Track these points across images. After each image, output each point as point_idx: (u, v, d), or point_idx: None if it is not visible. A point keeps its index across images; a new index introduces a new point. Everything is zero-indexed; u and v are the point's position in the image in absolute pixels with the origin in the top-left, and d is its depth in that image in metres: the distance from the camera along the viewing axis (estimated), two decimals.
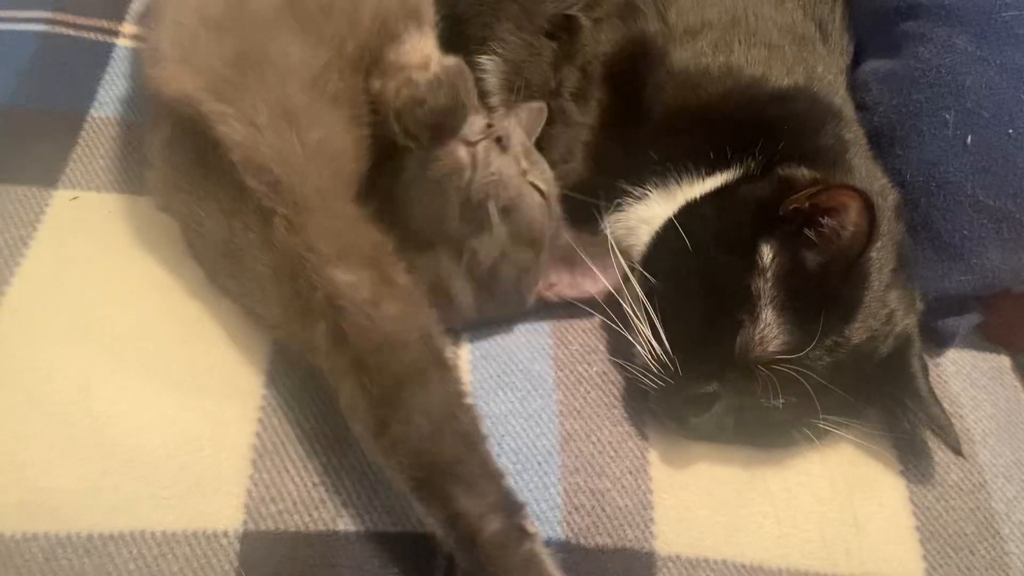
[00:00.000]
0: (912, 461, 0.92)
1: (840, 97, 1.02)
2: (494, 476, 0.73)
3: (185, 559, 0.75)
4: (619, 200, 0.98)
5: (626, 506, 0.83)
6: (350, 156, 0.82)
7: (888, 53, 1.04)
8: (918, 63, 1.00)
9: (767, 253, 0.84)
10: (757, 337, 0.81)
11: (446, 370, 0.76)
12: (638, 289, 0.88)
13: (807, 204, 0.82)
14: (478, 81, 1.09)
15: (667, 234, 0.89)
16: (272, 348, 0.86)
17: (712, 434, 0.86)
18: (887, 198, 0.94)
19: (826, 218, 0.81)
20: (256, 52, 0.82)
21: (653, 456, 0.87)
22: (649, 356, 0.85)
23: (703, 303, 0.84)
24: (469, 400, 0.76)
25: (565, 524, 0.81)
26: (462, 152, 0.84)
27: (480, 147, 0.85)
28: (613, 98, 1.01)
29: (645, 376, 0.85)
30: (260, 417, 0.82)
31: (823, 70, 1.02)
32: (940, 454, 0.92)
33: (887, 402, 0.89)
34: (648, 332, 0.85)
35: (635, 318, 0.87)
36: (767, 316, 0.81)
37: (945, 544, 0.88)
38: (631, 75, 1.00)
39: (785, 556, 0.84)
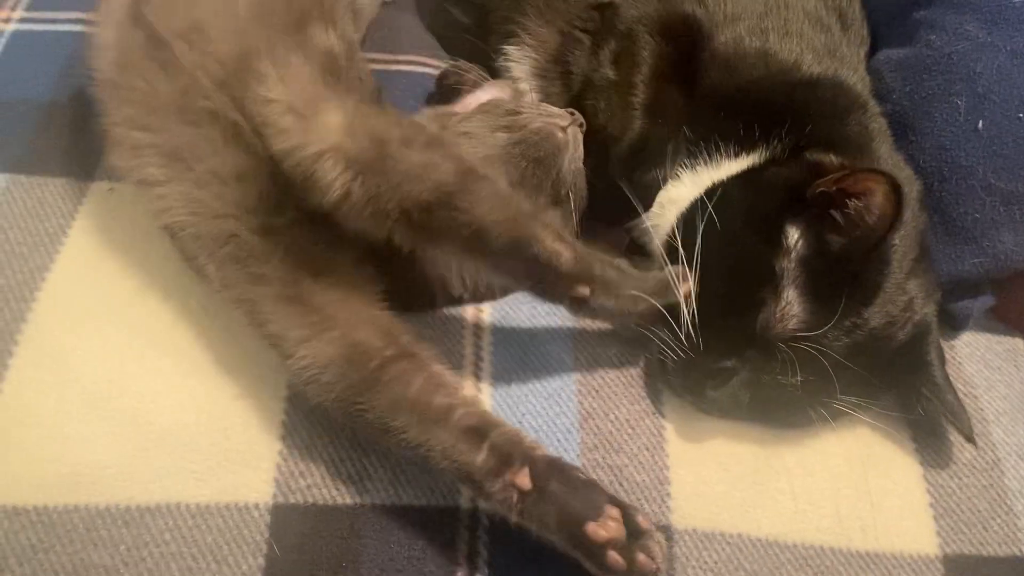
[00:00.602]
0: (926, 440, 0.93)
1: (863, 87, 1.03)
2: None
3: (218, 530, 0.78)
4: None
5: (643, 481, 0.85)
6: None
7: (901, 42, 1.06)
8: (930, 50, 1.02)
9: (792, 234, 0.85)
10: (778, 314, 0.82)
11: None
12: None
13: (834, 187, 0.83)
14: (504, 70, 1.12)
15: (695, 213, 0.91)
16: None
17: (728, 409, 0.87)
18: (912, 187, 0.95)
19: (852, 201, 0.82)
20: None
21: (670, 434, 0.89)
22: (671, 330, 0.86)
23: (727, 281, 0.86)
24: None
25: None
26: (560, 135, 0.91)
27: (570, 131, 0.92)
28: (659, 59, 1.03)
29: (666, 350, 0.86)
30: (288, 396, 0.85)
31: (848, 60, 1.04)
32: (954, 434, 0.93)
33: (903, 388, 0.91)
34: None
35: None
36: (789, 295, 0.83)
37: (959, 520, 0.89)
38: (677, 43, 1.02)
39: (801, 531, 0.86)
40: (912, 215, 0.91)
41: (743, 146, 0.95)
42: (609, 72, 1.04)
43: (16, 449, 0.79)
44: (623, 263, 0.82)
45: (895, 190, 0.78)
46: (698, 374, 0.86)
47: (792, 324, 0.82)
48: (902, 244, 0.87)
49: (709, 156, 0.97)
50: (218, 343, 0.87)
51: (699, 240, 0.86)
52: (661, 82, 1.01)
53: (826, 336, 0.82)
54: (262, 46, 0.81)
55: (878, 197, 0.80)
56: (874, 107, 1.00)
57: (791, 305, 0.83)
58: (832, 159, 0.90)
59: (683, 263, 0.85)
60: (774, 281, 0.84)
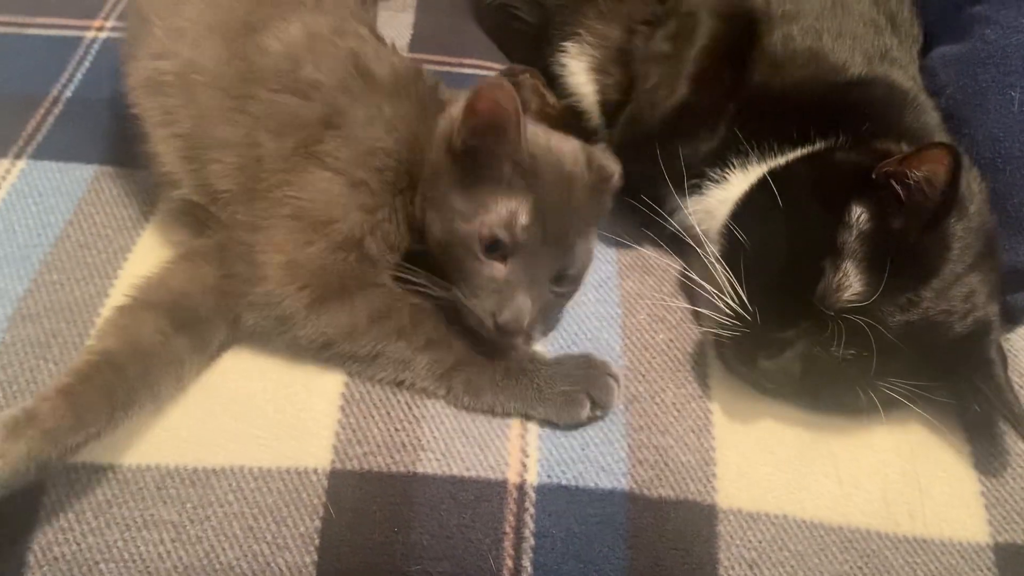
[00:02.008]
0: (977, 431, 0.93)
1: (914, 84, 1.04)
2: None
3: (278, 492, 0.82)
4: (697, 182, 1.02)
5: (689, 461, 0.87)
6: None
7: (955, 38, 1.07)
8: (985, 44, 1.03)
9: (856, 211, 0.87)
10: (835, 284, 0.84)
11: None
12: (712, 251, 0.94)
13: (900, 166, 0.85)
14: (560, 69, 1.17)
15: (759, 192, 0.93)
16: None
17: (780, 381, 0.88)
18: (979, 184, 0.96)
19: (914, 173, 0.83)
20: None
21: (716, 417, 0.91)
22: (728, 304, 0.89)
23: (787, 254, 0.88)
24: None
25: (630, 476, 0.85)
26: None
27: None
28: (714, 40, 1.04)
29: (721, 323, 0.89)
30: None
31: (898, 60, 1.05)
32: (1006, 425, 0.92)
33: (960, 381, 0.90)
34: (729, 281, 0.89)
35: (716, 270, 0.91)
36: (848, 266, 0.85)
37: (1011, 510, 0.88)
38: (734, 29, 1.04)
39: (846, 515, 0.86)
40: (978, 209, 0.91)
41: (798, 142, 0.97)
42: (665, 46, 1.07)
43: None
44: None
45: (956, 162, 0.80)
46: (752, 344, 0.87)
47: (848, 294, 0.84)
48: (964, 234, 0.88)
49: (762, 153, 0.98)
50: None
51: (760, 216, 0.89)
52: (713, 59, 1.03)
53: (880, 309, 0.83)
54: None
55: (941, 169, 0.81)
56: (927, 101, 1.01)
57: (848, 276, 0.84)
58: (902, 147, 0.92)
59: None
60: (835, 254, 0.85)
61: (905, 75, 1.04)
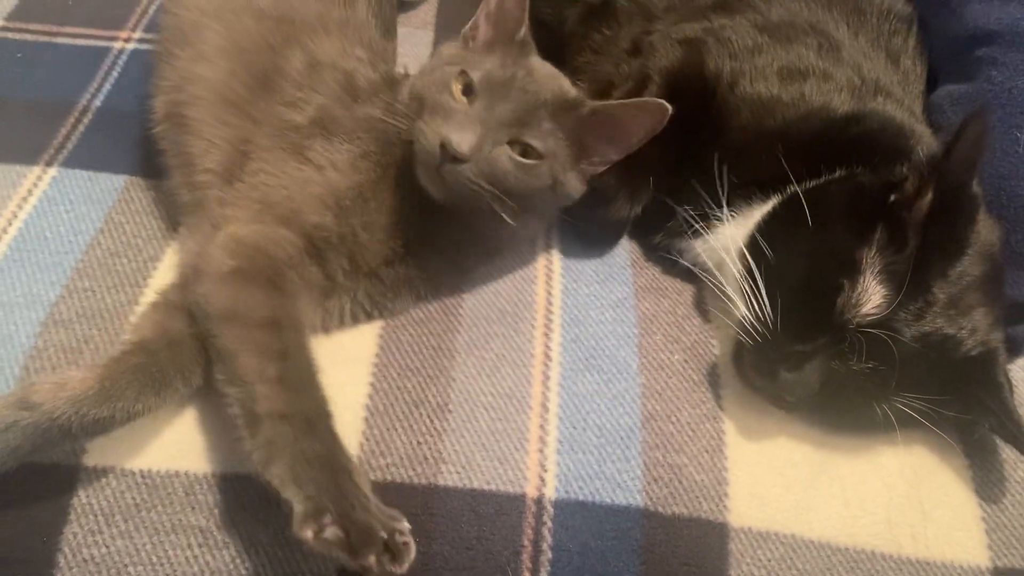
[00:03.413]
0: (979, 457, 0.96)
1: (912, 117, 1.08)
2: None
3: None
4: (703, 224, 1.04)
5: (702, 480, 0.90)
6: None
7: (962, 78, 1.11)
8: (991, 85, 1.07)
9: (876, 231, 0.91)
10: (855, 299, 0.88)
11: None
12: (739, 267, 0.97)
13: (912, 191, 0.90)
14: None
15: (787, 210, 0.97)
16: (382, 323, 0.98)
17: (799, 395, 0.90)
18: (991, 219, 0.99)
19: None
20: None
21: (730, 438, 0.93)
22: (749, 316, 0.92)
23: (810, 270, 0.92)
24: None
25: (644, 493, 0.88)
26: None
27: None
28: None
29: (743, 337, 0.92)
30: (372, 382, 0.92)
31: (894, 95, 1.08)
32: (1007, 452, 0.95)
33: (970, 401, 0.92)
34: (752, 295, 0.92)
35: (739, 284, 0.95)
36: (866, 280, 0.88)
37: (1011, 535, 0.91)
38: (686, 99, 1.04)
39: (852, 535, 0.89)
40: (987, 239, 0.94)
41: (805, 178, 0.99)
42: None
43: None
44: None
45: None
46: (774, 356, 0.90)
47: (867, 308, 0.87)
48: (973, 254, 0.91)
49: (765, 195, 1.01)
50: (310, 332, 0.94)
51: (786, 233, 0.94)
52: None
53: (896, 321, 0.87)
54: None
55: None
56: (924, 130, 1.05)
57: (867, 291, 0.88)
58: (919, 158, 0.97)
59: None
60: (854, 270, 0.89)
61: (900, 108, 1.07)
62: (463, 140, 0.87)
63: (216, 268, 0.86)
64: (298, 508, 0.74)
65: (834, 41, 1.10)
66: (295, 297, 0.88)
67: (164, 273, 0.97)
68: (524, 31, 0.97)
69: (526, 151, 0.91)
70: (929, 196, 0.89)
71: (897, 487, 0.92)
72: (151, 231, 1.02)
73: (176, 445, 0.86)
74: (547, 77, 0.96)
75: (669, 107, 0.92)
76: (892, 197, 0.91)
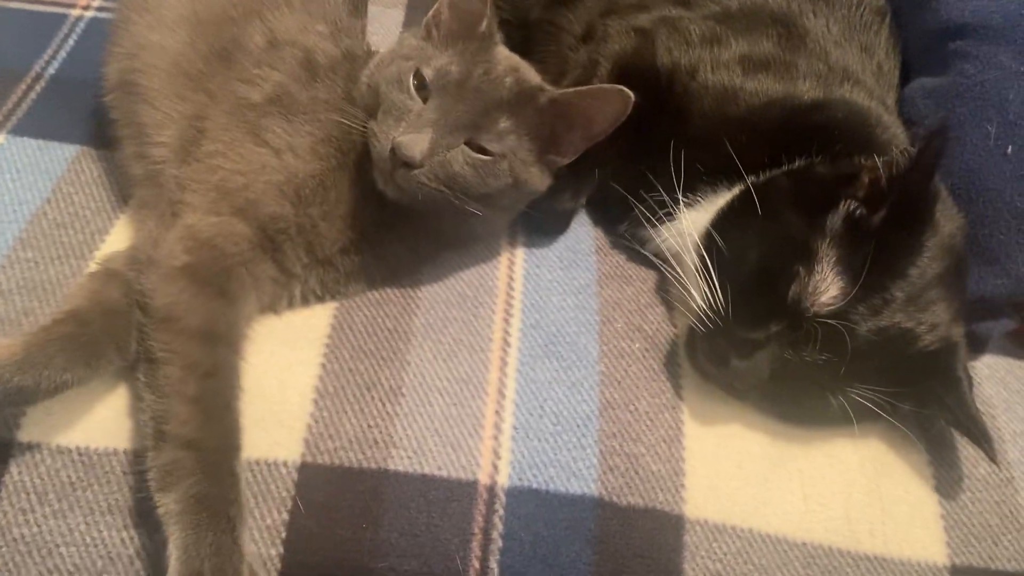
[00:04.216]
0: (939, 453, 0.95)
1: (878, 105, 1.06)
2: None
3: (247, 483, 0.81)
4: (667, 211, 1.02)
5: (659, 471, 0.88)
6: None
7: (935, 71, 1.10)
8: (963, 78, 1.05)
9: (834, 219, 0.89)
10: (811, 287, 0.86)
11: None
12: (694, 256, 0.95)
13: (868, 181, 0.89)
14: None
15: (740, 202, 0.95)
16: (337, 303, 0.95)
17: (749, 383, 0.89)
18: (957, 214, 0.97)
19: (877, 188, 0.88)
20: None
21: (688, 428, 0.92)
22: (703, 304, 0.90)
23: (763, 259, 0.90)
24: None
25: (600, 483, 0.86)
26: None
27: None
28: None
29: (696, 325, 0.91)
30: (323, 363, 0.89)
31: (864, 82, 1.07)
32: (968, 449, 0.94)
33: (927, 396, 0.91)
34: (705, 284, 0.91)
35: (695, 273, 0.93)
36: (822, 269, 0.87)
37: (969, 533, 0.90)
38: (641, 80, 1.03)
39: (810, 531, 0.87)
40: (950, 232, 0.93)
41: (766, 167, 0.98)
42: None
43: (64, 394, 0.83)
44: None
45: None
46: (725, 343, 0.89)
47: (825, 298, 0.85)
48: (935, 247, 0.89)
49: (731, 182, 0.99)
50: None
51: (739, 223, 0.92)
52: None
53: (853, 314, 0.85)
54: None
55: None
56: (889, 119, 1.03)
57: (825, 280, 0.86)
58: (875, 161, 0.93)
59: None
60: (809, 257, 0.87)
61: (870, 96, 1.06)
62: (414, 145, 0.84)
63: (168, 261, 0.85)
64: (174, 564, 0.73)
65: (800, 29, 1.08)
66: (240, 302, 0.86)
67: (111, 246, 0.94)
68: (486, 24, 0.94)
69: (483, 151, 0.89)
70: (885, 209, 0.87)
71: (857, 483, 0.91)
72: (100, 203, 0.98)
73: (115, 421, 0.83)
74: (507, 71, 0.93)
75: (631, 94, 0.90)
76: (844, 200, 0.89)
